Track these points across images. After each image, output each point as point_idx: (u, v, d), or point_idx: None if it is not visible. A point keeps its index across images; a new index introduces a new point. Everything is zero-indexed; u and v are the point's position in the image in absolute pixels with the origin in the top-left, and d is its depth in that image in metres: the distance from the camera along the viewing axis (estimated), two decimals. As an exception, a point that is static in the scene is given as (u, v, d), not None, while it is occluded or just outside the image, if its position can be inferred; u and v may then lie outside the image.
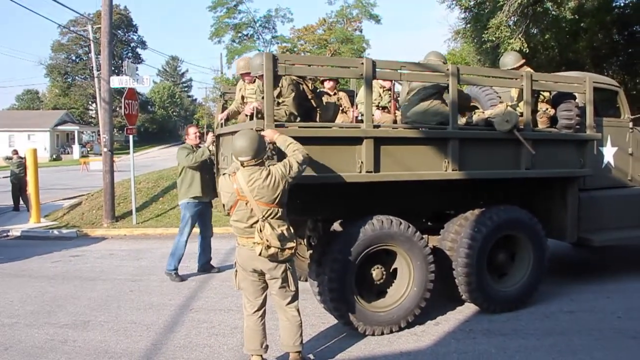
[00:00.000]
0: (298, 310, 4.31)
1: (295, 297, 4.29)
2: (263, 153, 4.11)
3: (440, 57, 5.86)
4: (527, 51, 15.17)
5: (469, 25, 18.81)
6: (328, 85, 6.28)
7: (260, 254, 3.97)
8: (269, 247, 3.94)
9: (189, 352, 4.79)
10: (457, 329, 5.27)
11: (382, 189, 5.11)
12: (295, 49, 36.49)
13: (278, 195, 4.02)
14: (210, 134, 7.09)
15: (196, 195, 7.18)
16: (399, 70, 5.12)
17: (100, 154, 13.24)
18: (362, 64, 4.79)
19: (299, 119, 5.34)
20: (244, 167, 4.05)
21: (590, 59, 19.27)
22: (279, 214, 4.07)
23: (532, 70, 5.98)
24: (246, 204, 4.00)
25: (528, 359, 4.58)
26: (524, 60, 6.46)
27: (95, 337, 5.19)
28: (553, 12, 16.47)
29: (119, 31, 56.18)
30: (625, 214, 6.83)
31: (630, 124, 7.06)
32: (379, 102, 6.57)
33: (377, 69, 4.88)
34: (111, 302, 6.29)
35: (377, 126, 5.02)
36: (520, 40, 14.70)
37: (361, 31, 40.26)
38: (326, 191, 5.00)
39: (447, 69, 5.18)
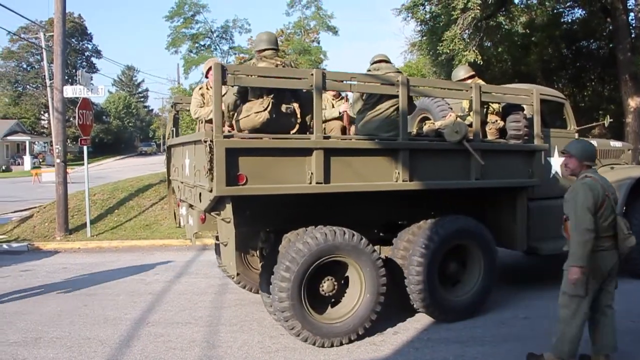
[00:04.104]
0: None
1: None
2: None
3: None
4: (481, 63, 15.61)
5: (424, 38, 19.20)
6: None
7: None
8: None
9: (145, 367, 4.69)
10: (415, 338, 5.33)
11: (333, 199, 5.10)
12: (252, 60, 36.46)
13: None
14: None
15: None
16: (348, 82, 5.10)
17: (53, 165, 12.88)
18: (312, 74, 4.80)
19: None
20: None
21: (541, 72, 19.96)
22: None
23: (482, 82, 6.14)
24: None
25: (484, 365, 4.66)
26: (473, 73, 6.66)
27: (47, 354, 5.01)
28: (505, 27, 17.01)
29: (73, 39, 54.87)
30: None
31: (576, 135, 7.27)
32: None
33: (327, 80, 4.89)
34: (64, 318, 6.10)
35: (327, 137, 5.01)
36: (474, 52, 15.10)
37: (319, 42, 40.79)
38: (276, 202, 4.96)
39: (398, 80, 5.22)
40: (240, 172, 4.49)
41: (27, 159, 46.29)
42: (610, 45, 18.18)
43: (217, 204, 4.77)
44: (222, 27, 40.13)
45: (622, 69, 15.54)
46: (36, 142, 53.87)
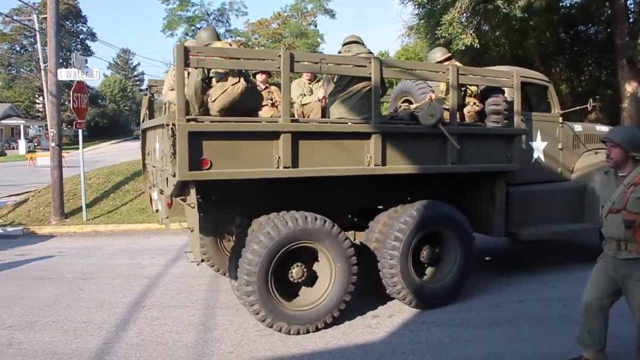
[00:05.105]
0: None
1: None
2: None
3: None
4: (479, 47, 15.54)
5: (422, 21, 19.10)
6: (260, 78, 6.05)
7: None
8: None
9: (142, 350, 4.69)
10: (410, 321, 5.35)
11: (304, 184, 4.99)
12: (249, 43, 36.27)
13: None
14: None
15: None
16: (319, 64, 4.94)
17: (48, 149, 12.80)
18: (280, 56, 4.66)
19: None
20: None
21: (538, 56, 19.89)
22: None
23: (459, 64, 6.01)
24: None
25: (480, 347, 4.68)
26: (449, 55, 6.50)
27: (42, 338, 5.01)
28: (503, 10, 16.88)
29: (67, 22, 54.25)
30: (554, 208, 6.87)
31: (560, 119, 7.11)
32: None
33: (296, 62, 4.76)
34: (60, 302, 6.10)
35: (295, 120, 4.92)
36: (472, 36, 15.01)
37: (316, 26, 40.59)
38: (244, 187, 4.86)
39: (370, 61, 5.07)
40: (204, 157, 4.36)
41: (22, 143, 46.01)
42: (609, 30, 18.09)
43: (181, 189, 4.63)
44: (218, 10, 39.81)
45: (620, 53, 15.47)
46: (31, 126, 53.57)
